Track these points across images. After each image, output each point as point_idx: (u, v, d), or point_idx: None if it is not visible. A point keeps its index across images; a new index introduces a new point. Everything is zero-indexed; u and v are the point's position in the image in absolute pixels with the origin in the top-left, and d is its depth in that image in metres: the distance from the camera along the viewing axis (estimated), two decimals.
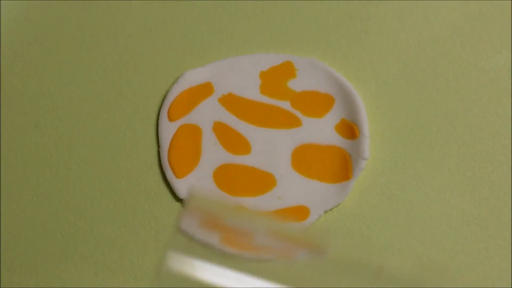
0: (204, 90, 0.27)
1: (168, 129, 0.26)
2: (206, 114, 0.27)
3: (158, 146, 0.26)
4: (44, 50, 0.27)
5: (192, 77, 0.27)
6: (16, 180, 0.26)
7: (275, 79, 0.26)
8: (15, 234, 0.26)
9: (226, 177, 0.26)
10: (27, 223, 0.26)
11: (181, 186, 0.26)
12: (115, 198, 0.26)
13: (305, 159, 0.26)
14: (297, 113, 0.26)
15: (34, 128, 0.27)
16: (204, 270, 0.17)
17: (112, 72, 0.27)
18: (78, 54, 0.27)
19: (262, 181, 0.26)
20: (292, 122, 0.26)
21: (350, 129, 0.26)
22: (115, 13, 0.28)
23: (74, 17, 0.28)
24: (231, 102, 0.26)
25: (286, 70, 0.26)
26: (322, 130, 0.26)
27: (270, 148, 0.26)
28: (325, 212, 0.25)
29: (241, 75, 0.27)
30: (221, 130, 0.26)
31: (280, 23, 0.27)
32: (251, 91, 0.27)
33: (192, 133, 0.26)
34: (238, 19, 0.27)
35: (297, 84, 0.26)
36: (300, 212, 0.25)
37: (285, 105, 0.26)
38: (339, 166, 0.26)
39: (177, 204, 0.26)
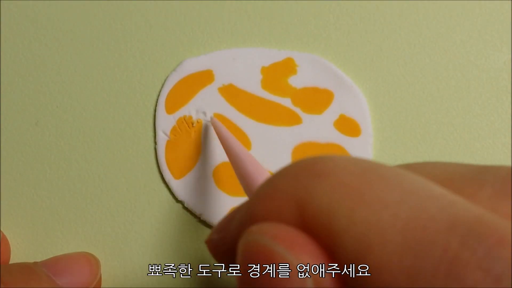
0: (204, 78, 0.26)
1: (166, 124, 0.26)
2: (206, 104, 0.26)
3: (155, 144, 0.26)
4: (44, 44, 0.27)
5: (192, 65, 0.26)
6: (16, 179, 0.26)
7: (276, 75, 0.26)
8: (15, 233, 0.26)
9: (226, 176, 0.26)
10: (28, 221, 0.26)
11: (180, 187, 0.26)
12: (115, 196, 0.26)
13: None
14: (298, 110, 0.26)
15: (34, 127, 0.27)
16: None
17: (111, 68, 0.27)
18: (76, 49, 0.27)
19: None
20: (293, 119, 0.26)
21: (350, 125, 0.26)
22: (112, 3, 0.27)
23: (72, 10, 0.27)
24: (231, 93, 0.26)
25: (287, 67, 0.26)
26: (321, 127, 0.26)
27: (270, 146, 0.26)
28: None
29: (243, 67, 0.26)
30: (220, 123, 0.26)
31: (282, 19, 0.27)
32: (252, 85, 0.26)
33: (191, 126, 0.26)
34: (240, 14, 0.27)
35: (297, 81, 0.26)
36: None
37: (286, 102, 0.26)
38: None
39: (177, 205, 0.26)
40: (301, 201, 0.11)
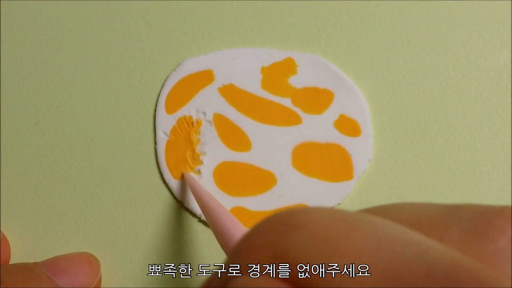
0: (204, 78, 0.26)
1: (166, 124, 0.26)
2: (206, 104, 0.26)
3: (155, 143, 0.26)
4: (44, 44, 0.27)
5: (192, 65, 0.26)
6: (16, 179, 0.26)
7: (277, 75, 0.26)
8: (15, 233, 0.26)
9: (226, 176, 0.26)
10: (28, 221, 0.26)
11: (180, 187, 0.26)
12: (115, 196, 0.26)
13: (306, 158, 0.26)
14: (298, 110, 0.26)
15: (34, 127, 0.27)
16: None
17: (111, 68, 0.27)
18: (76, 49, 0.27)
19: (262, 180, 0.26)
20: (293, 119, 0.26)
21: (350, 125, 0.26)
22: (112, 3, 0.27)
23: (72, 10, 0.27)
24: (231, 93, 0.26)
25: (287, 67, 0.26)
26: (321, 127, 0.26)
27: (270, 146, 0.26)
28: None
29: (243, 67, 0.26)
30: (221, 123, 0.26)
31: (282, 19, 0.27)
32: (252, 85, 0.26)
33: (191, 126, 0.26)
34: (240, 14, 0.27)
35: (297, 81, 0.26)
36: None
37: (286, 102, 0.26)
38: (340, 165, 0.25)
39: (177, 205, 0.26)
40: (279, 253, 0.11)
